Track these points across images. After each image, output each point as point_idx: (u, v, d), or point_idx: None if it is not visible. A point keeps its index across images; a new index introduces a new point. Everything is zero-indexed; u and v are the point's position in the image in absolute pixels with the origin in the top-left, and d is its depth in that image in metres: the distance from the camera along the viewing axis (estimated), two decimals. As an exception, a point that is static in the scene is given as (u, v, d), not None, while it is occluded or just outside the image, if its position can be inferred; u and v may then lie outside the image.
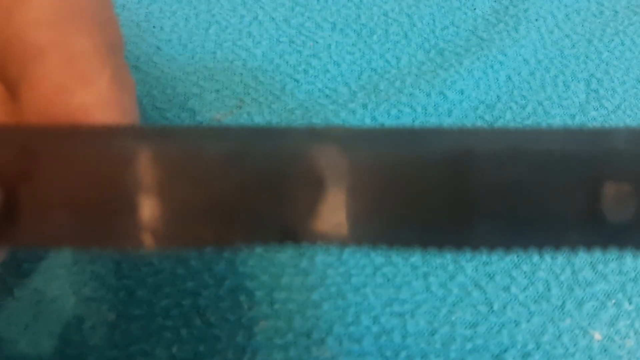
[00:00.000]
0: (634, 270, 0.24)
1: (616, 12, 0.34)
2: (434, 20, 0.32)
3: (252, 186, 0.12)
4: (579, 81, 0.30)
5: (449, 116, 0.28)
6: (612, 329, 0.22)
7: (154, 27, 0.30)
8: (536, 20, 0.33)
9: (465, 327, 0.22)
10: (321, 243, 0.12)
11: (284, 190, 0.12)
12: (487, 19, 0.33)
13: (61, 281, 0.21)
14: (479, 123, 0.28)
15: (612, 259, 0.24)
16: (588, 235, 0.12)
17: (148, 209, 0.12)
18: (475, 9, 0.33)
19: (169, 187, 0.12)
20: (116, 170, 0.12)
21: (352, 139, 0.12)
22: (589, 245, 0.12)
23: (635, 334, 0.22)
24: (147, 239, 0.12)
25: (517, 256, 0.24)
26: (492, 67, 0.30)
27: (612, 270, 0.24)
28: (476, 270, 0.23)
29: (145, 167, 0.12)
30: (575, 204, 0.12)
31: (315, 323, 0.21)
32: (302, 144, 0.12)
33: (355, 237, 0.12)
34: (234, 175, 0.12)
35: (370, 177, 0.12)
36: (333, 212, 0.12)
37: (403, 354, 0.21)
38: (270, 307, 0.22)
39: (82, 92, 0.15)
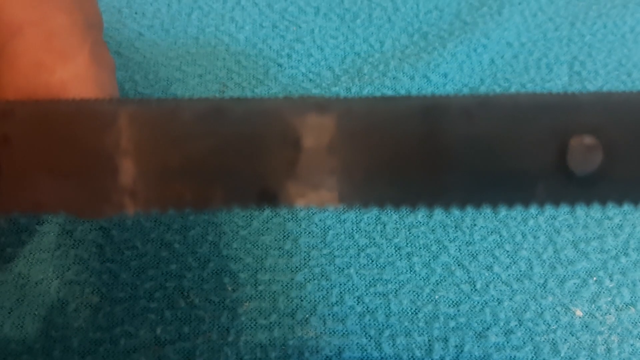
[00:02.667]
0: (615, 248, 0.24)
1: (599, -5, 0.35)
2: (417, 4, 0.32)
3: (229, 147, 0.12)
4: (561, 63, 0.31)
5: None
6: (593, 306, 0.22)
7: (135, 13, 0.30)
8: (519, 3, 0.33)
9: (449, 306, 0.22)
10: (299, 204, 0.12)
11: (261, 151, 0.12)
12: (471, 3, 0.33)
13: (44, 265, 0.21)
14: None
15: (594, 238, 0.24)
16: (555, 188, 0.12)
17: (127, 172, 0.12)
18: (458, -8, 0.33)
19: (146, 150, 0.12)
20: (94, 135, 0.12)
21: (326, 101, 0.12)
22: (556, 199, 0.12)
23: (616, 310, 0.22)
24: (127, 202, 0.12)
25: (500, 236, 0.24)
26: (475, 50, 0.30)
27: (594, 249, 0.24)
28: (459, 250, 0.23)
29: (122, 130, 0.12)
30: (542, 157, 0.12)
31: (299, 304, 0.21)
32: (278, 105, 0.12)
33: (332, 198, 0.12)
34: (210, 136, 0.12)
35: (345, 135, 0.12)
36: (311, 172, 0.12)
37: (387, 332, 0.21)
38: (255, 289, 0.22)
39: (60, 68, 0.15)
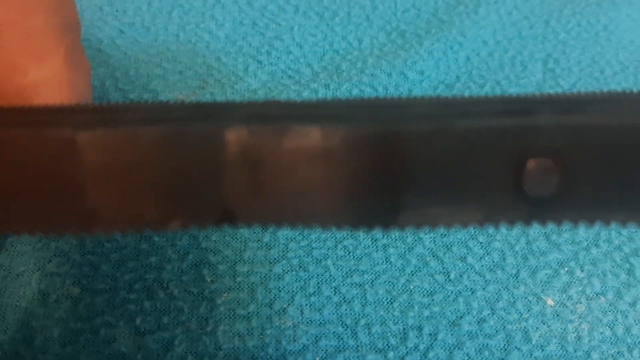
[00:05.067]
0: (586, 240, 0.25)
1: (573, -6, 0.35)
2: (395, 3, 0.33)
3: (189, 168, 0.12)
4: (536, 61, 0.31)
5: (410, 95, 0.29)
6: (564, 295, 0.23)
7: (116, 10, 0.30)
8: (495, 2, 0.34)
9: (423, 295, 0.22)
10: (258, 224, 0.12)
11: (221, 172, 0.12)
12: (448, 2, 0.33)
13: (26, 257, 0.22)
14: (439, 102, 0.29)
15: (565, 230, 0.25)
16: (511, 210, 0.12)
17: (90, 194, 0.12)
18: (435, -9, 0.34)
19: (108, 172, 0.12)
20: (56, 158, 0.12)
21: (285, 117, 0.12)
22: (512, 220, 0.12)
23: (586, 299, 0.23)
24: (92, 223, 0.12)
25: (473, 228, 0.24)
26: (451, 48, 0.31)
27: (565, 240, 0.25)
28: (434, 241, 0.24)
29: (84, 153, 0.12)
30: (499, 180, 0.12)
31: (277, 294, 0.22)
32: (237, 124, 0.12)
33: (290, 218, 0.12)
34: (171, 158, 0.12)
35: (305, 156, 0.12)
36: (270, 193, 0.12)
37: (362, 321, 0.22)
38: (233, 280, 0.22)
39: (34, 69, 0.15)
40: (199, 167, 0.12)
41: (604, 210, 0.12)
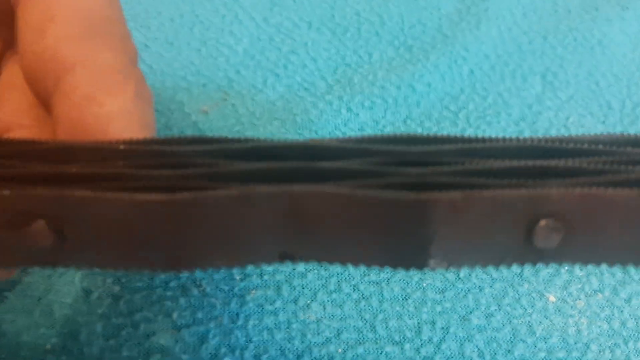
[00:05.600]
0: (584, 241, 0.27)
1: (569, 10, 0.38)
2: (402, 19, 0.35)
3: (256, 223, 0.14)
4: (535, 74, 0.33)
5: (418, 106, 0.31)
6: (565, 292, 0.25)
7: (141, 26, 0.32)
8: (496, 18, 0.36)
9: (435, 292, 0.24)
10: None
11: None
12: (451, 18, 0.35)
13: (68, 258, 0.23)
14: (445, 113, 0.31)
15: (565, 232, 0.27)
16: (522, 259, 0.14)
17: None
18: (440, 8, 0.36)
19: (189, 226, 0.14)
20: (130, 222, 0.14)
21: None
22: (522, 264, 0.15)
23: (585, 296, 0.25)
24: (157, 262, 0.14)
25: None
26: (455, 62, 0.33)
27: (565, 241, 0.26)
28: (444, 243, 0.26)
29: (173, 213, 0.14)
30: (514, 238, 0.14)
31: (301, 291, 0.24)
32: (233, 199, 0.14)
33: (332, 259, 0.15)
34: (238, 216, 0.14)
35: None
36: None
37: (380, 316, 0.23)
38: (260, 278, 0.24)
39: (108, 102, 0.17)
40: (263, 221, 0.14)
41: (597, 259, 0.15)
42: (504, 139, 0.15)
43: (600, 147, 0.15)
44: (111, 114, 0.17)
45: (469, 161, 0.15)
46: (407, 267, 0.14)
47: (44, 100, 0.19)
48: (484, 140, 0.15)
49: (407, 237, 0.14)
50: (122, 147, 0.15)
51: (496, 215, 0.14)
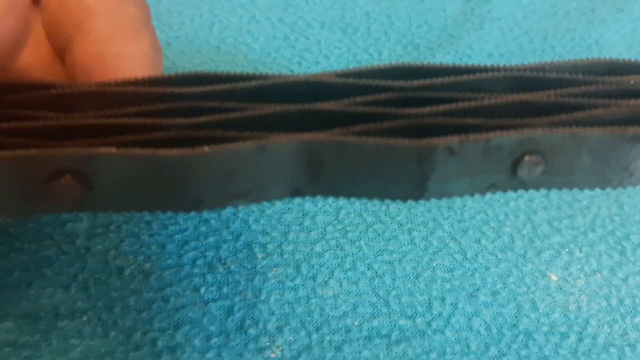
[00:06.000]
0: (584, 226, 0.28)
1: (567, 12, 0.40)
2: (409, 20, 0.37)
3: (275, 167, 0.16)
4: (535, 71, 0.35)
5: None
6: (565, 272, 0.27)
7: (163, 24, 0.34)
8: (498, 19, 0.38)
9: (444, 271, 0.26)
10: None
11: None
12: (456, 19, 0.37)
13: (101, 238, 0.25)
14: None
15: (566, 217, 0.28)
16: (507, 187, 0.16)
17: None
18: (445, 9, 0.38)
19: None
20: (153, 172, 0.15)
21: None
22: (506, 191, 0.17)
23: (584, 275, 0.27)
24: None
25: (486, 215, 0.28)
26: (460, 59, 0.35)
27: (566, 226, 0.28)
28: (452, 226, 0.27)
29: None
30: (501, 172, 0.16)
31: (319, 269, 0.25)
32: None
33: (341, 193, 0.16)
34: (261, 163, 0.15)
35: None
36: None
37: (393, 292, 0.25)
38: (281, 257, 0.25)
39: (128, 44, 0.19)
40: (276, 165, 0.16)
41: (570, 185, 0.17)
42: (492, 68, 0.17)
43: (580, 76, 0.17)
44: (130, 54, 0.19)
45: (462, 96, 0.16)
46: (404, 200, 0.16)
47: (61, 46, 0.20)
48: (474, 70, 0.17)
49: (407, 176, 0.16)
50: (134, 89, 0.16)
51: (487, 154, 0.15)
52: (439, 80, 0.17)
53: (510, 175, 0.16)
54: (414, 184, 0.16)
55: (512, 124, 0.15)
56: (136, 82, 0.16)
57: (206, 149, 0.14)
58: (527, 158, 0.16)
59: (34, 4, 0.22)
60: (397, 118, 0.16)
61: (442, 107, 0.16)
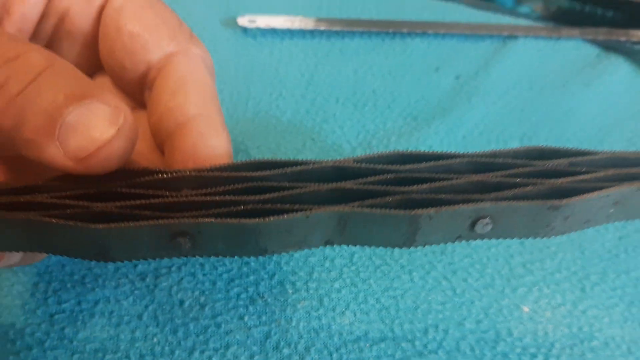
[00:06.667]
0: (552, 268, 0.34)
1: (542, 87, 0.46)
2: (409, 96, 0.44)
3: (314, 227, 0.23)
4: (514, 138, 0.42)
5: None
6: (536, 305, 0.33)
7: (206, 101, 0.41)
8: (484, 94, 0.45)
9: (438, 304, 0.32)
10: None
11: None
12: (448, 94, 0.44)
13: (165, 277, 0.32)
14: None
15: (537, 260, 0.35)
16: (468, 238, 0.23)
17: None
18: (439, 86, 0.45)
19: None
20: (237, 233, 0.22)
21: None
22: (468, 241, 0.24)
23: (551, 308, 0.33)
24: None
25: (472, 258, 0.35)
26: (452, 129, 0.42)
27: (537, 268, 0.34)
28: (444, 268, 0.34)
29: None
30: (464, 228, 0.23)
31: (337, 302, 0.32)
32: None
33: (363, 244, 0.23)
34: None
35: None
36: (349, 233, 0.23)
37: (397, 321, 0.31)
38: (307, 292, 0.32)
39: (214, 139, 0.26)
40: (316, 225, 0.23)
41: (510, 236, 0.24)
42: (458, 155, 0.24)
43: (518, 161, 0.24)
44: (214, 146, 0.25)
45: (437, 176, 0.23)
46: (400, 247, 0.23)
47: (162, 140, 0.26)
48: (446, 156, 0.24)
49: (402, 232, 0.22)
50: (219, 174, 0.23)
51: (455, 218, 0.22)
52: (423, 164, 0.24)
53: (470, 231, 0.23)
54: (406, 238, 0.22)
55: (470, 198, 0.22)
56: (220, 168, 0.23)
57: (271, 218, 0.21)
58: (480, 220, 0.22)
59: (141, 107, 0.29)
60: (395, 194, 0.22)
61: (424, 186, 0.23)
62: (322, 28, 0.48)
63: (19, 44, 0.22)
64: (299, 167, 0.23)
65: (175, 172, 0.23)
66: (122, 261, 0.23)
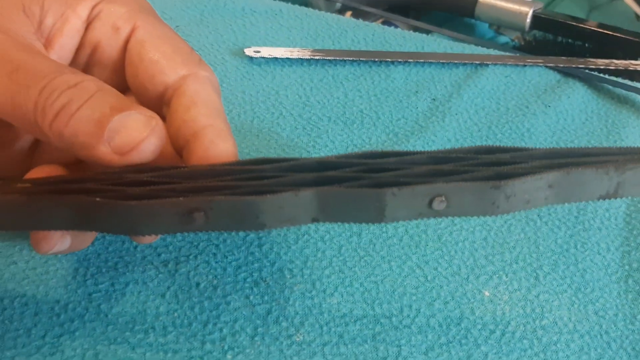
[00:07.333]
0: (510, 259, 0.41)
1: (508, 108, 0.53)
2: (391, 115, 0.50)
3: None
4: (482, 152, 0.48)
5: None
6: (495, 290, 0.39)
7: (216, 119, 0.47)
8: (456, 114, 0.51)
9: (412, 288, 0.38)
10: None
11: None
12: (425, 114, 0.51)
13: (184, 264, 0.38)
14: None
15: (497, 253, 0.41)
16: (427, 215, 0.29)
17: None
18: (417, 107, 0.51)
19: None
20: (244, 208, 0.29)
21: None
22: (428, 217, 0.29)
23: (509, 292, 0.38)
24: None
25: (442, 251, 0.41)
26: (427, 144, 0.48)
27: (497, 259, 0.40)
28: (418, 258, 0.40)
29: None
30: (424, 205, 0.28)
31: (327, 286, 0.38)
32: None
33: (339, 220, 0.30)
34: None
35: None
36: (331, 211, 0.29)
37: (377, 301, 0.37)
38: (302, 277, 0.38)
39: (223, 144, 0.32)
40: (304, 203, 0.29)
41: (458, 215, 0.29)
42: (418, 152, 0.29)
43: (470, 155, 0.29)
44: (223, 149, 0.32)
45: (401, 167, 0.29)
46: (372, 222, 0.29)
47: (180, 146, 0.32)
48: (409, 153, 0.29)
49: (372, 208, 0.28)
50: (230, 167, 0.29)
51: (415, 195, 0.28)
52: (391, 159, 0.30)
53: (429, 208, 0.29)
54: (377, 214, 0.29)
55: (428, 180, 0.29)
56: (230, 164, 0.30)
57: (268, 196, 0.28)
58: (437, 198, 0.28)
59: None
60: (366, 179, 0.29)
61: (390, 173, 0.29)
62: (317, 57, 0.55)
63: (79, 75, 0.29)
64: (291, 162, 0.30)
65: (195, 166, 0.30)
66: (149, 234, 0.29)
